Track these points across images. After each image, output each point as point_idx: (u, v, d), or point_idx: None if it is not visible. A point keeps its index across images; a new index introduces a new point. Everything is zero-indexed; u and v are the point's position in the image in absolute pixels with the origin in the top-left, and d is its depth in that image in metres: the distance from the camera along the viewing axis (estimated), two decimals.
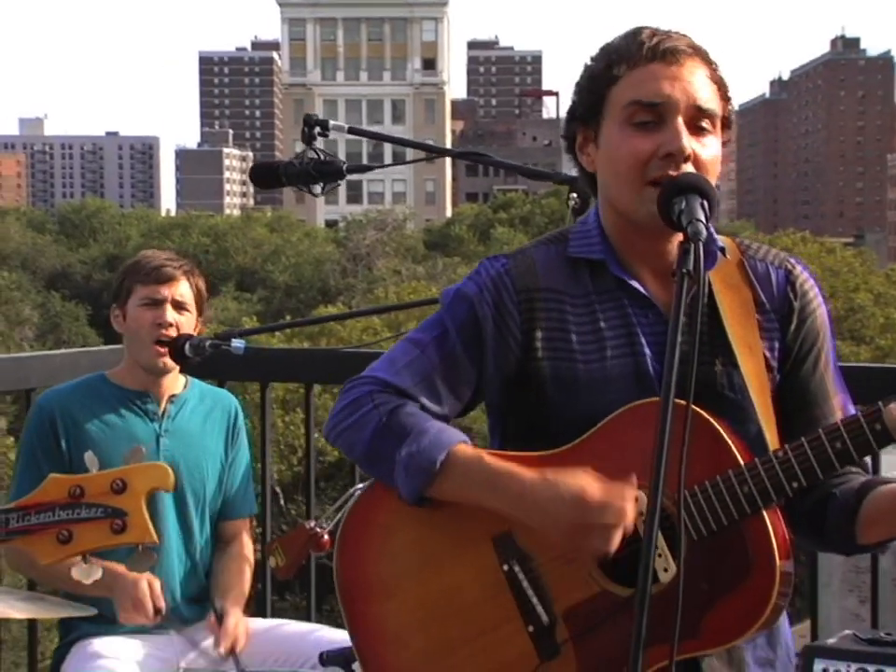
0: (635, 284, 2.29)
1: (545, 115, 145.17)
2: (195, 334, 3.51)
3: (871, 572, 3.75)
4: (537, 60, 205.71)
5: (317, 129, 3.30)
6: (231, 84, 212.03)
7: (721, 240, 2.34)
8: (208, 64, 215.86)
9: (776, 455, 2.15)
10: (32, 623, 4.07)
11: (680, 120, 2.20)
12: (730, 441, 2.17)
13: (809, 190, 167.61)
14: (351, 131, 3.35)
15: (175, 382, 3.59)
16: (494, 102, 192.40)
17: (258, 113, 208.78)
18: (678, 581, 2.12)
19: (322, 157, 3.28)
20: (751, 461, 2.16)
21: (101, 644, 3.43)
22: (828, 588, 15.75)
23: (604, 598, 2.17)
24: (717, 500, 2.14)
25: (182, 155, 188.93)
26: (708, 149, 2.23)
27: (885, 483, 2.25)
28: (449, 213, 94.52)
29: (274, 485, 23.42)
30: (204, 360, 3.46)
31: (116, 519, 1.97)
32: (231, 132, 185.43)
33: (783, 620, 2.33)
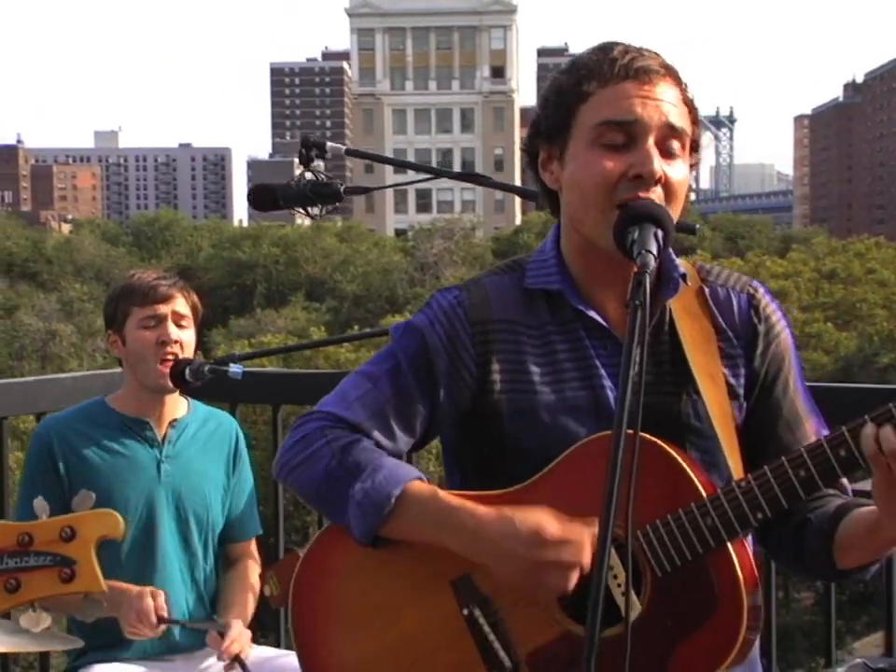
0: (593, 314, 2.22)
1: None
2: (197, 353, 3.50)
3: (885, 592, 3.63)
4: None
5: (315, 151, 3.27)
6: (302, 94, 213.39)
7: (682, 266, 2.27)
8: (279, 75, 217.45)
9: (738, 485, 2.08)
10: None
11: (652, 141, 2.13)
12: (692, 474, 2.10)
13: (884, 195, 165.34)
14: (348, 153, 3.32)
15: (177, 406, 3.57)
16: None
17: (328, 123, 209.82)
18: (643, 618, 2.07)
19: (320, 179, 3.25)
20: (714, 493, 2.09)
21: (106, 670, 3.41)
22: None
23: (568, 640, 2.11)
24: (680, 535, 2.07)
25: (254, 165, 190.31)
26: (678, 171, 2.17)
27: (859, 507, 2.17)
28: (518, 221, 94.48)
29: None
30: (213, 384, 3.45)
31: (64, 567, 1.94)
32: None
33: (756, 653, 2.26)
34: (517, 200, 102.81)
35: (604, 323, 2.22)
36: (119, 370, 3.72)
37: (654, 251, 2.01)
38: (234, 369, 3.39)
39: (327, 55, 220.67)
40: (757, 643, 2.23)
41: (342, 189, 3.24)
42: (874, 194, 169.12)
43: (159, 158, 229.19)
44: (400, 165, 3.46)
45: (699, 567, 2.08)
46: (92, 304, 53.12)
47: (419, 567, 2.19)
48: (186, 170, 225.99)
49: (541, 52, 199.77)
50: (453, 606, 2.17)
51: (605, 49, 2.20)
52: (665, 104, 2.15)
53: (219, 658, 3.34)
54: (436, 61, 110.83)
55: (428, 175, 3.21)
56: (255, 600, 3.57)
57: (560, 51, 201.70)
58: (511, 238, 65.08)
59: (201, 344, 3.61)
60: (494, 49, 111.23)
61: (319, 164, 3.35)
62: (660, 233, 2.05)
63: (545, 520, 2.07)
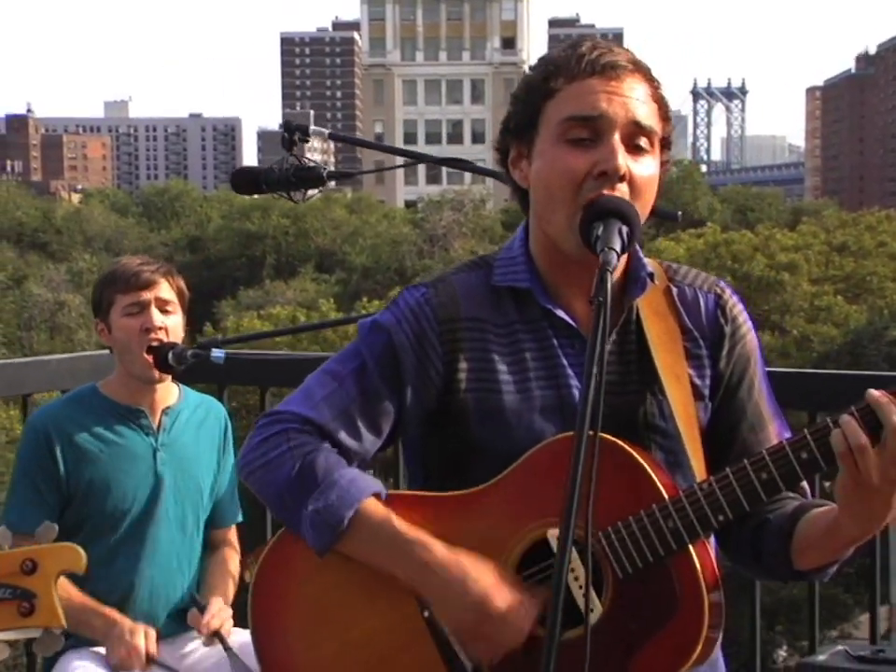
0: (560, 313, 2.20)
1: None
2: (182, 337, 3.49)
3: (869, 581, 3.60)
4: (618, 37, 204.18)
5: (298, 134, 3.25)
6: (313, 65, 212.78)
7: (650, 265, 2.25)
8: (290, 45, 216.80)
9: (700, 487, 2.07)
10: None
11: (617, 138, 2.10)
12: (653, 475, 2.09)
13: None
14: (331, 136, 3.29)
15: (169, 393, 3.56)
16: None
17: (338, 94, 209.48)
18: (604, 620, 2.07)
19: (302, 163, 3.23)
20: (676, 495, 2.08)
21: (91, 652, 3.41)
22: None
23: (529, 642, 2.08)
24: (641, 536, 2.06)
25: (264, 136, 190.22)
26: (645, 168, 2.14)
27: (816, 507, 2.16)
28: None
29: None
30: (199, 367, 3.45)
31: (24, 601, 1.89)
32: (312, 112, 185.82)
33: (718, 653, 2.25)
34: None
35: (571, 322, 2.20)
36: (106, 351, 3.71)
37: (618, 248, 1.99)
38: (216, 353, 3.39)
39: (337, 25, 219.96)
40: (719, 646, 2.22)
41: (324, 174, 3.23)
42: (886, 166, 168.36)
43: (169, 128, 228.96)
44: (382, 150, 3.44)
45: (660, 568, 2.07)
46: None
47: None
48: (196, 140, 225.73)
49: (552, 23, 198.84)
50: (413, 607, 2.15)
51: (574, 46, 2.17)
52: (632, 100, 2.12)
53: (199, 633, 3.35)
54: (446, 31, 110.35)
55: (408, 161, 3.18)
56: (235, 586, 3.58)
57: (571, 22, 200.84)
58: (520, 211, 64.56)
59: (190, 328, 3.59)
60: (504, 20, 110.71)
61: (328, 146, 3.33)
62: (625, 230, 2.03)
63: (494, 591, 2.07)
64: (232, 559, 3.65)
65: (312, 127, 3.23)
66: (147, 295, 3.45)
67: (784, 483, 2.04)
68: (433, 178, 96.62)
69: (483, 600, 2.06)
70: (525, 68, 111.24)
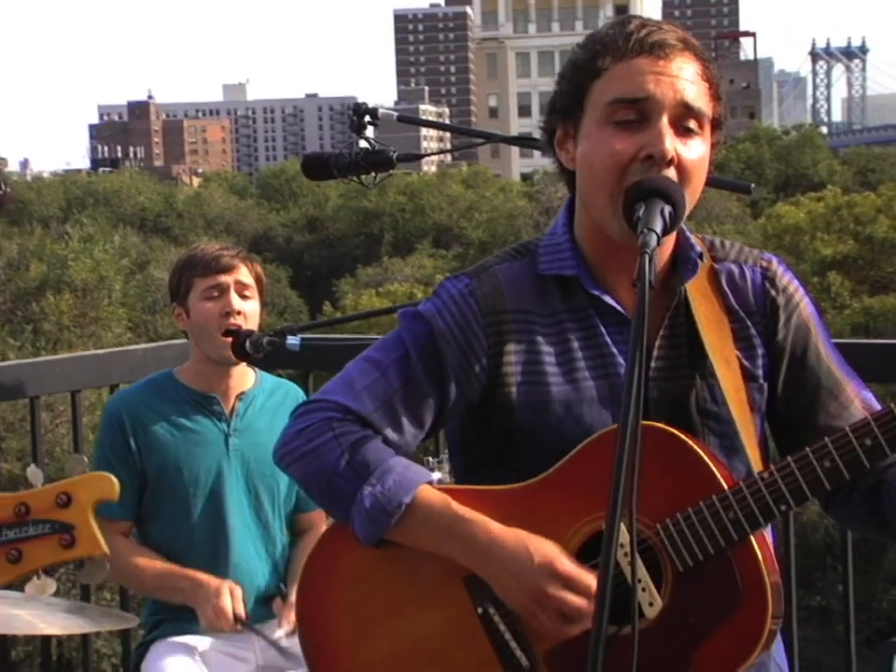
0: (608, 299, 2.15)
1: (742, 57, 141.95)
2: (259, 324, 3.51)
3: None
4: (733, 1, 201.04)
5: (367, 118, 3.23)
6: (426, 41, 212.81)
7: (698, 244, 2.19)
8: (402, 22, 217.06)
9: (761, 476, 2.03)
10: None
11: (665, 120, 2.05)
12: (712, 465, 2.04)
13: None
14: (400, 119, 3.27)
15: (244, 378, 3.58)
16: None
17: (452, 69, 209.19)
18: (664, 614, 2.03)
19: (373, 146, 3.21)
20: (736, 485, 2.03)
21: (179, 643, 3.45)
22: None
23: (586, 638, 2.05)
24: (701, 528, 2.02)
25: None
26: (694, 152, 2.08)
27: None
28: None
29: None
30: (281, 354, 3.46)
31: (64, 534, 1.96)
32: (426, 88, 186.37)
33: (777, 640, 2.21)
34: None
35: (619, 308, 2.15)
36: (188, 340, 3.74)
37: (658, 229, 1.93)
38: (291, 340, 3.39)
39: (449, 0, 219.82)
40: (778, 634, 2.18)
41: (394, 157, 3.21)
42: None
43: (286, 109, 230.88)
44: (448, 129, 3.41)
45: (722, 560, 2.02)
46: None
47: (430, 565, 2.14)
48: (313, 120, 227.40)
49: None
50: (467, 604, 2.13)
51: (622, 23, 2.12)
52: (680, 80, 2.06)
53: (280, 624, 3.37)
54: (559, 2, 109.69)
55: (476, 141, 3.15)
56: None
57: None
58: None
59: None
60: None
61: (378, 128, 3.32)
62: (668, 210, 1.97)
63: (559, 555, 2.04)
64: None
65: (381, 109, 3.21)
66: (227, 279, 3.47)
67: (848, 470, 2.00)
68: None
69: (550, 561, 2.04)
70: None
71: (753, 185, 2.90)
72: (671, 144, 2.05)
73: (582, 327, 2.17)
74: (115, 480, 1.98)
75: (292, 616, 3.32)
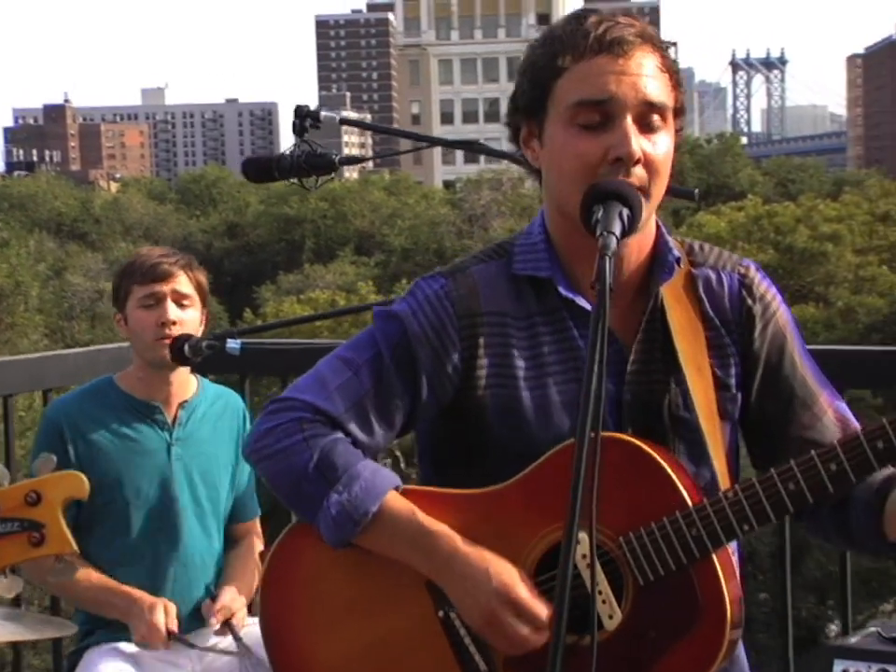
0: (581, 302, 2.13)
1: None
2: (201, 329, 3.44)
3: None
4: (654, 10, 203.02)
5: (309, 120, 3.18)
6: (348, 47, 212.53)
7: (676, 248, 2.17)
8: (324, 28, 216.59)
9: (725, 496, 2.02)
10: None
11: (629, 120, 2.04)
12: (677, 479, 2.03)
13: None
14: (342, 121, 3.23)
15: (186, 386, 3.50)
16: None
17: (374, 75, 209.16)
18: (624, 627, 2.01)
19: (314, 149, 3.17)
20: (700, 502, 2.01)
21: (114, 649, 3.39)
22: None
23: (545, 647, 2.02)
24: (664, 544, 2.01)
25: None
26: (659, 147, 2.07)
27: None
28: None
29: (395, 449, 23.44)
30: (218, 358, 3.40)
31: (33, 532, 1.96)
32: (348, 94, 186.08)
33: (740, 647, 2.20)
34: None
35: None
36: (125, 343, 3.67)
37: (618, 232, 1.92)
38: (232, 344, 3.34)
39: (371, 6, 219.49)
40: (741, 642, 2.17)
41: (336, 160, 3.17)
42: None
43: (206, 114, 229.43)
44: (393, 134, 3.37)
45: (683, 575, 2.01)
46: None
47: (394, 566, 2.12)
48: (233, 126, 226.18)
49: None
50: (429, 607, 2.11)
51: (578, 19, 2.09)
52: (642, 77, 2.05)
53: (209, 624, 3.32)
54: (481, 9, 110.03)
55: (418, 145, 3.11)
56: (257, 577, 3.53)
57: None
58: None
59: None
60: None
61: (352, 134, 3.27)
62: (626, 213, 1.95)
63: (517, 582, 2.03)
64: (255, 551, 3.59)
65: (322, 112, 3.16)
66: (164, 288, 3.39)
67: (812, 494, 1.99)
68: (471, 158, 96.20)
69: (507, 587, 2.03)
70: None
71: (696, 190, 2.89)
72: (637, 144, 2.04)
73: (555, 329, 2.15)
74: (85, 478, 1.98)
75: (220, 614, 3.31)
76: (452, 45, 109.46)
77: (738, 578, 2.07)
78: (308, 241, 59.30)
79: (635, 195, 2.00)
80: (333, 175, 3.17)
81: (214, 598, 3.38)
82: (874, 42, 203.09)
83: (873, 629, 3.09)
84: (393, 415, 2.17)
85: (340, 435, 2.14)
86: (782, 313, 2.23)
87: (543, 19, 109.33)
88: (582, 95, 2.05)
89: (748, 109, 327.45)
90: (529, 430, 2.11)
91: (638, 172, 2.04)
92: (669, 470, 2.03)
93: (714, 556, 2.02)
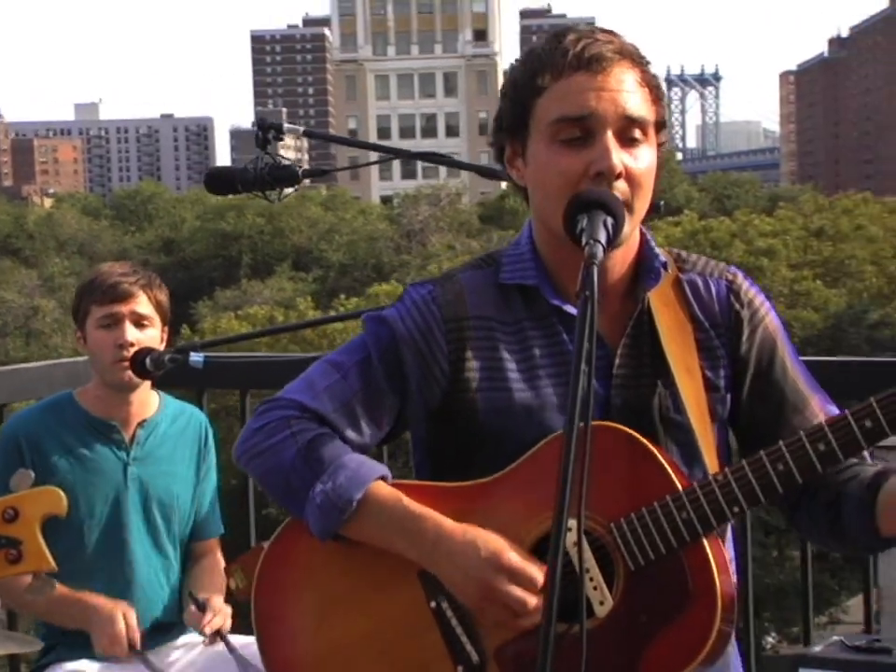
0: (569, 309, 2.16)
1: None
2: (162, 348, 3.39)
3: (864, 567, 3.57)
4: (589, 26, 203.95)
5: (272, 132, 3.18)
6: (284, 62, 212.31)
7: (662, 254, 2.21)
8: (260, 43, 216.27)
9: (715, 478, 2.04)
10: None
11: (609, 135, 2.06)
12: (667, 465, 2.05)
13: (871, 149, 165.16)
14: (306, 133, 3.23)
15: (147, 404, 3.45)
16: None
17: (311, 90, 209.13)
18: (615, 612, 2.03)
19: (277, 162, 3.17)
20: (690, 486, 2.04)
21: (73, 668, 3.35)
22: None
23: (535, 635, 2.03)
24: (654, 528, 2.03)
25: (237, 135, 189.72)
26: (641, 161, 2.10)
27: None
28: (504, 185, 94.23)
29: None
30: (178, 372, 3.37)
31: (10, 549, 1.93)
32: (284, 110, 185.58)
33: (732, 651, 2.22)
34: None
35: None
36: (82, 358, 3.63)
37: (603, 240, 1.95)
38: (195, 357, 3.31)
39: (307, 21, 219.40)
40: (734, 643, 2.20)
41: (300, 172, 3.17)
42: (861, 149, 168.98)
43: (140, 129, 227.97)
44: (356, 145, 3.38)
45: (673, 560, 2.03)
46: (74, 279, 52.93)
47: (386, 558, 2.14)
48: (168, 141, 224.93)
49: (524, 14, 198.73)
50: (420, 597, 2.13)
51: (557, 37, 2.13)
52: (621, 93, 2.08)
53: (200, 634, 3.28)
54: (418, 25, 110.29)
55: (384, 157, 3.12)
56: (223, 592, 3.50)
57: (543, 12, 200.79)
58: (497, 203, 64.63)
59: (171, 342, 3.50)
60: (475, 12, 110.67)
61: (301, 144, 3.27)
62: (610, 221, 1.99)
63: (506, 548, 2.05)
64: (218, 567, 3.55)
65: (286, 125, 3.17)
66: (122, 308, 3.34)
67: (801, 474, 2.01)
68: (408, 173, 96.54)
69: (497, 554, 2.04)
70: (498, 60, 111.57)
71: (662, 202, 2.91)
72: (617, 158, 2.06)
73: (545, 334, 2.18)
74: (63, 494, 1.94)
75: (214, 624, 3.26)
76: (388, 60, 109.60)
77: (734, 579, 2.10)
78: (245, 256, 59.11)
79: (617, 204, 2.02)
80: (296, 187, 3.17)
81: (201, 607, 3.33)
82: (806, 59, 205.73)
83: (836, 638, 3.12)
84: (381, 416, 2.20)
85: (327, 430, 2.17)
86: (771, 318, 2.26)
87: (480, 35, 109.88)
88: (563, 112, 2.07)
89: (682, 125, 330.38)
90: (521, 431, 2.13)
91: (621, 186, 2.06)
92: (660, 456, 2.05)
93: (706, 543, 2.04)
